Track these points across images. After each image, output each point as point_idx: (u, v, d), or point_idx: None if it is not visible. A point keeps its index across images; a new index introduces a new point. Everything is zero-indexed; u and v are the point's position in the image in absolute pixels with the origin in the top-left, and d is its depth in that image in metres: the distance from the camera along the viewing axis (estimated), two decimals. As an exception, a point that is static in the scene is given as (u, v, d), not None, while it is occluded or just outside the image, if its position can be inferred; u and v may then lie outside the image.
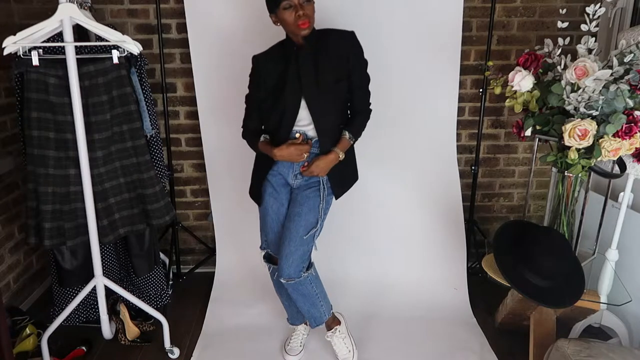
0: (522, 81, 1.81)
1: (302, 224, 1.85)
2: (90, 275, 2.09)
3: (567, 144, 1.71)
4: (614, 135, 1.67)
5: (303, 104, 1.81)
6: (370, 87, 1.91)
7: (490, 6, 2.48)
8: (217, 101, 2.54)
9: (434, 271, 2.62)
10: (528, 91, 1.83)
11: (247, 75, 1.93)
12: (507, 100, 1.91)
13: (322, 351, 2.16)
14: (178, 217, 2.82)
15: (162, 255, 2.63)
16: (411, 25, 2.42)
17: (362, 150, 2.11)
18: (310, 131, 1.85)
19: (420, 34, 2.43)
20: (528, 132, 1.90)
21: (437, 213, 2.64)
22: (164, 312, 2.29)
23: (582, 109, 1.69)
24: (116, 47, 1.89)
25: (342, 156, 1.84)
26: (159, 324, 2.19)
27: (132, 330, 2.21)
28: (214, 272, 2.72)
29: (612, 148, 1.67)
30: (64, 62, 1.83)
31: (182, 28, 2.53)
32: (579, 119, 1.68)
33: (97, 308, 2.14)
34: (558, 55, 1.80)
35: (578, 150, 1.74)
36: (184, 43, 2.54)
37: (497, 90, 1.95)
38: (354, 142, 1.91)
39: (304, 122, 1.84)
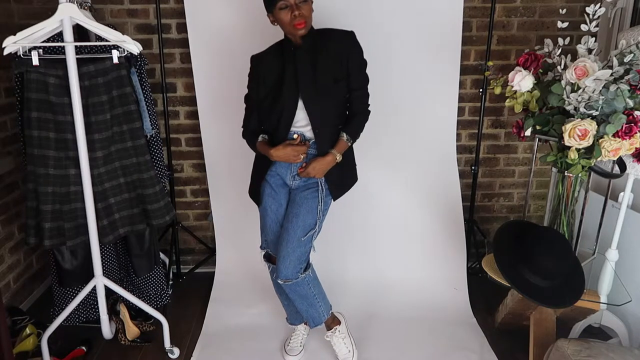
0: (522, 81, 1.81)
1: (299, 225, 1.85)
2: (90, 275, 2.09)
3: (567, 144, 1.71)
4: (614, 135, 1.67)
5: (300, 104, 1.80)
6: (370, 87, 1.90)
7: (490, 6, 2.47)
8: (217, 101, 2.54)
9: (434, 271, 2.62)
10: (528, 91, 1.83)
11: (247, 75, 1.93)
12: (507, 100, 1.91)
13: (322, 351, 2.16)
14: (178, 217, 2.82)
15: (162, 255, 2.63)
16: (411, 25, 2.42)
17: (362, 150, 2.10)
18: (308, 132, 1.84)
19: (420, 34, 2.43)
20: (528, 132, 1.90)
21: (437, 213, 2.64)
22: (164, 312, 2.29)
23: (582, 109, 1.69)
24: (116, 47, 1.89)
25: (339, 158, 1.83)
26: (159, 324, 2.19)
27: (132, 330, 2.21)
28: (214, 272, 2.72)
29: (612, 148, 1.67)
30: (64, 62, 1.83)
31: (182, 28, 2.53)
32: (579, 119, 1.68)
33: (97, 308, 2.14)
34: (558, 55, 1.80)
35: (578, 150, 1.74)
36: (184, 43, 2.54)
37: (497, 90, 1.95)
38: (352, 144, 1.89)
39: (302, 123, 1.83)
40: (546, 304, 1.81)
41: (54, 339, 2.09)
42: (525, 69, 1.83)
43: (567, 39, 1.82)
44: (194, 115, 2.65)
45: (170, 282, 2.67)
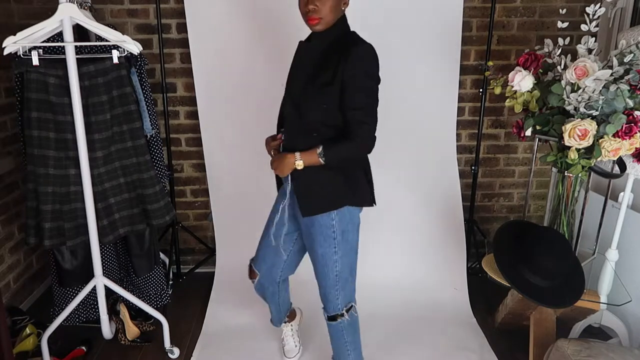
0: (522, 81, 1.81)
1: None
2: (90, 275, 2.09)
3: (567, 144, 1.71)
4: (614, 135, 1.67)
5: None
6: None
7: (490, 6, 2.47)
8: (217, 101, 2.54)
9: (434, 271, 2.62)
10: (528, 91, 1.83)
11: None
12: (507, 100, 1.91)
13: (322, 351, 2.16)
14: (178, 217, 2.82)
15: (162, 255, 2.63)
16: (411, 25, 2.42)
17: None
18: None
19: (420, 34, 2.43)
20: (528, 132, 1.90)
21: (437, 213, 2.64)
22: (164, 312, 2.29)
23: (582, 109, 1.69)
24: (116, 47, 1.89)
25: (299, 164, 1.57)
26: (159, 323, 2.19)
27: (132, 330, 2.21)
28: (214, 272, 2.71)
29: (612, 148, 1.67)
30: (64, 62, 1.83)
31: (182, 28, 2.53)
32: (579, 119, 1.68)
33: (97, 308, 2.14)
34: (558, 55, 1.80)
35: (578, 150, 1.74)
36: (184, 43, 2.54)
37: (497, 90, 1.95)
38: (324, 163, 1.55)
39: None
40: (546, 304, 1.81)
41: (54, 339, 2.09)
42: (525, 69, 1.83)
43: (567, 39, 1.82)
44: (194, 115, 2.65)
45: (170, 282, 2.67)
